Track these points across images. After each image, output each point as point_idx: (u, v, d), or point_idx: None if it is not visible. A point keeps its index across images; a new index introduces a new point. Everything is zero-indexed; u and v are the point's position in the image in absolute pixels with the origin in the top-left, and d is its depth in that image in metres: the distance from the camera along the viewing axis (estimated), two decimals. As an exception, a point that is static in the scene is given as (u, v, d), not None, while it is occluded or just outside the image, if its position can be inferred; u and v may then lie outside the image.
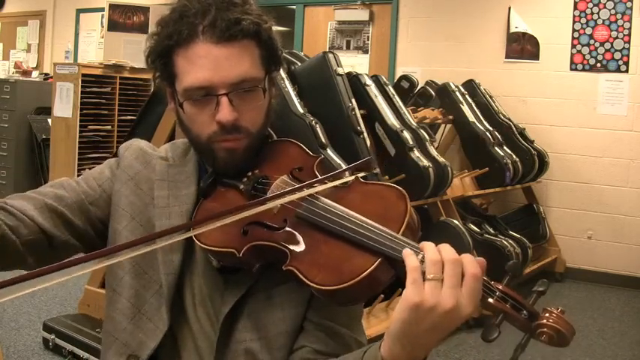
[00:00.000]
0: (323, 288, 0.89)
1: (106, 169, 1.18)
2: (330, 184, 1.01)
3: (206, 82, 1.03)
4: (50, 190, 1.12)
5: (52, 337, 3.20)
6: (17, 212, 1.04)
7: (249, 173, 1.08)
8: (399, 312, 0.83)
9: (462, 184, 4.38)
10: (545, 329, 0.85)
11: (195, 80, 1.03)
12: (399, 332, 0.84)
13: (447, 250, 0.84)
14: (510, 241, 4.29)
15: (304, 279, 0.91)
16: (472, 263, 0.84)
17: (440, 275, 0.82)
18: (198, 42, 1.03)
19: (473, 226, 4.33)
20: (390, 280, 0.91)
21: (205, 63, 1.02)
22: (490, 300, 0.86)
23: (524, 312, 0.86)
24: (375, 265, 0.88)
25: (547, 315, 0.85)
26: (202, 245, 1.02)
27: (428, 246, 0.85)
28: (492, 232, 4.41)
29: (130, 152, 1.18)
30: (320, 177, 1.03)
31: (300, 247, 0.95)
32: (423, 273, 0.83)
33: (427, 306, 0.81)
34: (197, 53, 1.03)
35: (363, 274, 0.87)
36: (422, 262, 0.84)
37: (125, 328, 1.10)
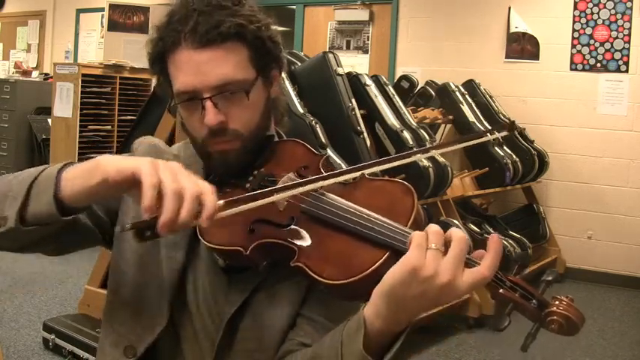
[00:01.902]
0: (332, 283, 0.89)
1: None
2: (379, 167, 1.00)
3: (190, 87, 1.04)
4: None
5: (52, 337, 3.20)
6: None
7: (255, 172, 1.08)
8: (393, 271, 0.83)
9: (462, 184, 4.38)
10: (555, 317, 0.84)
11: (180, 86, 1.05)
12: (388, 290, 0.84)
13: (456, 229, 0.85)
14: (510, 241, 4.29)
15: (313, 275, 0.91)
16: (492, 267, 0.84)
17: (441, 246, 0.83)
18: (182, 48, 1.04)
19: (473, 226, 4.34)
20: None
21: (187, 68, 1.04)
22: (500, 290, 0.86)
23: (534, 301, 0.86)
24: (384, 258, 0.88)
25: (557, 303, 0.85)
26: (208, 244, 1.01)
27: (432, 224, 0.86)
28: (492, 232, 4.41)
29: (143, 147, 1.19)
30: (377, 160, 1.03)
31: (307, 243, 0.95)
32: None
33: (424, 273, 0.81)
34: (180, 59, 1.04)
35: (372, 267, 0.87)
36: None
37: (125, 320, 1.11)
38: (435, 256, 0.82)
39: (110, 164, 0.89)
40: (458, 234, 0.84)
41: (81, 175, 0.92)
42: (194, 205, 0.85)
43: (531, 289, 0.87)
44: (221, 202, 0.89)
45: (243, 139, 1.07)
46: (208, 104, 1.03)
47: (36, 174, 0.96)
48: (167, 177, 0.86)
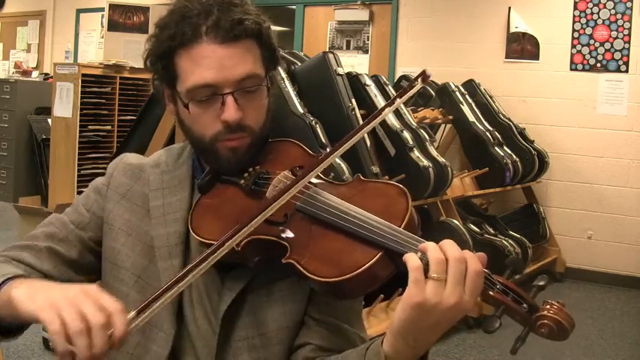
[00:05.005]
0: (323, 280, 0.89)
1: (90, 193, 1.19)
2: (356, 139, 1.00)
3: (212, 82, 1.03)
4: (41, 231, 1.15)
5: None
6: (20, 265, 1.08)
7: (250, 169, 1.08)
8: (401, 311, 0.84)
9: (462, 184, 4.38)
10: (545, 321, 0.84)
11: (200, 80, 1.03)
12: (402, 330, 0.85)
13: (450, 247, 0.84)
14: (510, 241, 4.29)
15: (304, 271, 0.91)
16: (474, 259, 0.84)
17: (444, 275, 0.82)
18: (202, 42, 1.03)
19: (473, 226, 4.33)
20: (390, 274, 0.91)
21: (210, 63, 1.03)
22: (491, 292, 0.86)
23: (525, 305, 0.86)
24: (377, 258, 0.87)
25: (547, 307, 0.85)
26: (200, 239, 1.02)
27: (430, 245, 0.85)
28: (492, 232, 4.42)
29: (118, 171, 1.19)
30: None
31: (299, 241, 0.95)
32: (426, 272, 0.82)
33: (429, 305, 0.82)
34: (201, 54, 1.03)
35: (364, 266, 0.87)
36: (422, 259, 0.83)
37: (138, 342, 1.09)
38: (437, 286, 0.82)
39: (20, 306, 0.90)
40: (453, 253, 0.83)
41: (3, 308, 0.94)
42: (103, 334, 0.83)
43: (522, 293, 0.86)
44: (132, 313, 0.87)
45: (254, 135, 1.08)
46: (230, 99, 1.03)
47: None
48: (70, 316, 0.83)
